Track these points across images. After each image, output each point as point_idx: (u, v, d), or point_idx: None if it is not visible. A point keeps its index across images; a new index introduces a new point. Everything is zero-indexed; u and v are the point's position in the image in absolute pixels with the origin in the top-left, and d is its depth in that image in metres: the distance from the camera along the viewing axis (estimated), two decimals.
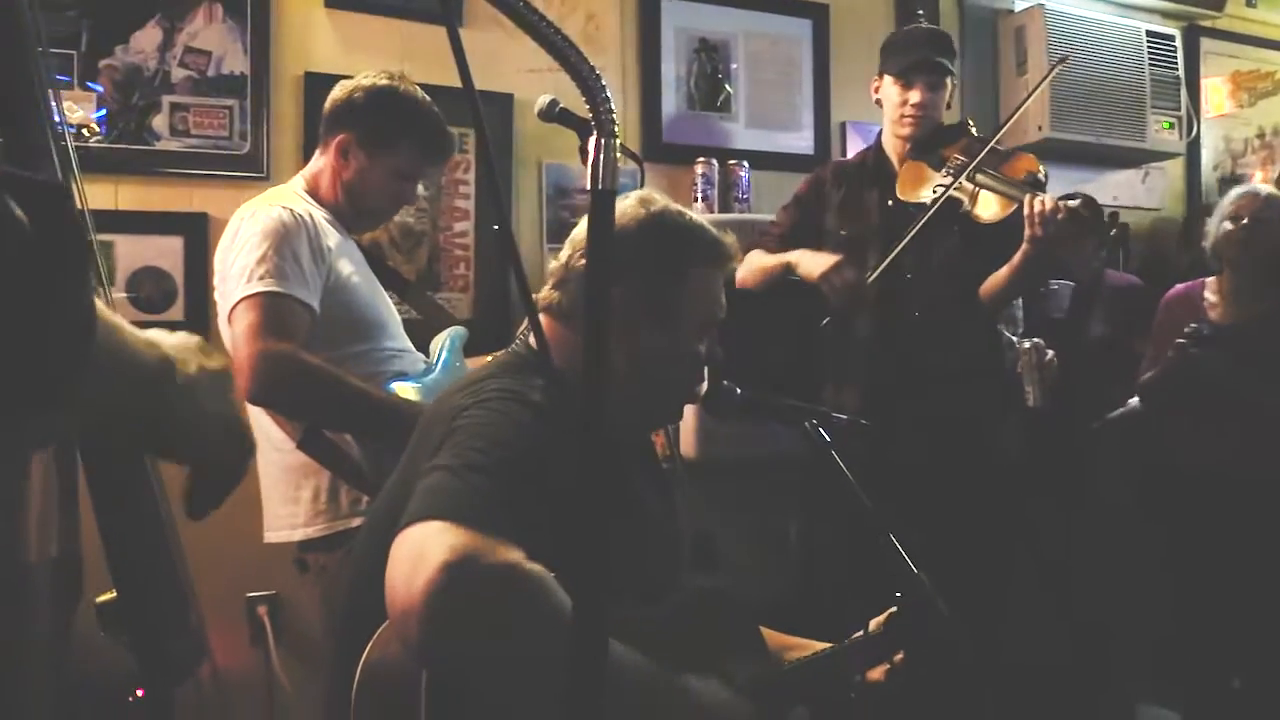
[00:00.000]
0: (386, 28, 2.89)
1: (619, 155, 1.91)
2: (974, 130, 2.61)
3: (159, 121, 2.65)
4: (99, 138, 2.51)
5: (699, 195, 3.15)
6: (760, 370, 2.78)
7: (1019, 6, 3.78)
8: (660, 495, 1.47)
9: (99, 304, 0.72)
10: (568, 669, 0.75)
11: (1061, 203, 2.25)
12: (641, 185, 2.63)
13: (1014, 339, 2.90)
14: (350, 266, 1.98)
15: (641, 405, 1.37)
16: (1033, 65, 3.61)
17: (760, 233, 2.75)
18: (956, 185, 2.44)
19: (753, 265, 2.60)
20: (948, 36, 2.69)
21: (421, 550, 1.00)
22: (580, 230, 1.42)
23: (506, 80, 2.96)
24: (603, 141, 0.78)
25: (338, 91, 2.10)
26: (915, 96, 2.53)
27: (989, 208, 2.43)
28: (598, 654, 0.77)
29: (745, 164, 3.22)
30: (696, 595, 1.36)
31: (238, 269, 1.84)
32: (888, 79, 2.61)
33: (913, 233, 2.39)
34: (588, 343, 0.76)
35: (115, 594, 0.95)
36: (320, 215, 1.98)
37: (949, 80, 2.58)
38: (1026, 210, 2.26)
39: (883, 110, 2.66)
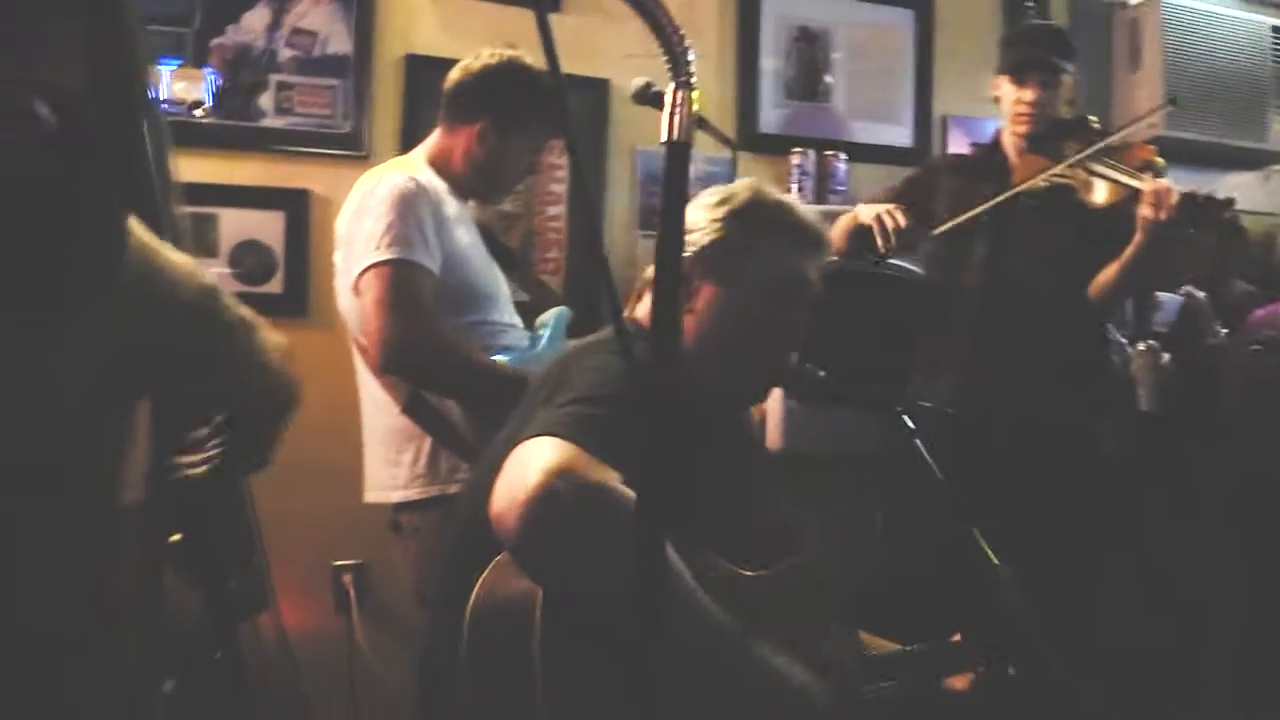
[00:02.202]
0: (487, 11, 2.91)
1: (718, 143, 1.88)
2: (1095, 125, 2.54)
3: (265, 99, 2.72)
4: (209, 116, 2.60)
5: (795, 185, 3.11)
6: (849, 358, 2.75)
7: (1134, 0, 3.63)
8: (758, 473, 1.46)
9: (138, 229, 0.72)
10: (630, 597, 0.76)
11: (1178, 188, 2.16)
12: (734, 173, 2.61)
13: (1124, 341, 2.80)
14: (468, 238, 2.01)
15: (721, 373, 1.40)
16: (1148, 61, 3.47)
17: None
18: (1069, 173, 2.38)
19: (840, 225, 2.60)
20: (1064, 34, 2.65)
21: (527, 458, 1.07)
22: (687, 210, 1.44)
23: (603, 66, 2.95)
24: (679, 94, 0.76)
25: (460, 74, 2.12)
26: (1028, 94, 2.49)
27: (1101, 194, 2.36)
28: (656, 595, 0.77)
29: (843, 155, 3.17)
30: (793, 568, 1.34)
31: (364, 235, 1.88)
32: (1002, 78, 2.58)
33: (1000, 199, 2.36)
34: (658, 292, 0.75)
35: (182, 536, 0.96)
36: (441, 186, 2.01)
37: (1064, 78, 2.52)
38: (1143, 193, 2.18)
39: (1000, 107, 2.61)
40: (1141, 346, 2.56)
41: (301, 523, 2.59)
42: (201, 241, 2.61)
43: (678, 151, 0.81)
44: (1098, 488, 2.47)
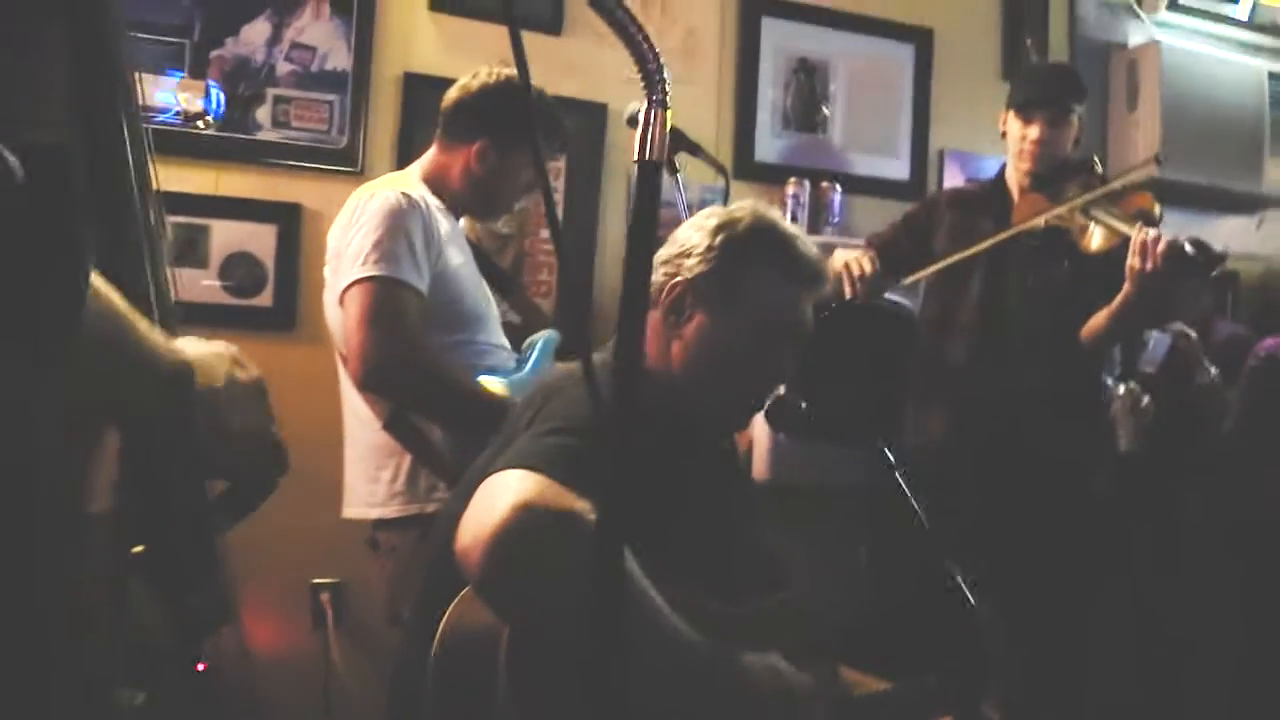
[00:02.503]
0: (487, 32, 2.91)
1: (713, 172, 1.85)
2: (1098, 169, 2.55)
3: (262, 113, 2.72)
4: (212, 128, 2.60)
5: (789, 215, 3.10)
6: (840, 390, 2.75)
7: (1133, 42, 3.65)
8: (745, 504, 1.45)
9: (116, 299, 0.72)
10: (588, 629, 0.76)
11: (1165, 239, 2.16)
12: (727, 200, 2.61)
13: (1108, 381, 2.80)
14: (459, 257, 2.00)
15: (705, 398, 1.38)
16: (1145, 102, 3.49)
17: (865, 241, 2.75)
18: (1067, 215, 2.40)
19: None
20: (1075, 74, 2.66)
21: (496, 491, 1.05)
22: (678, 231, 1.45)
23: (602, 90, 2.97)
24: (652, 113, 0.76)
25: (459, 93, 2.11)
26: (1034, 132, 2.50)
27: (1096, 239, 2.37)
28: (613, 619, 0.77)
29: (838, 186, 3.17)
30: (777, 605, 1.32)
31: (353, 250, 1.87)
32: (1010, 113, 2.58)
33: (985, 245, 2.39)
34: (624, 307, 0.75)
35: (144, 547, 0.95)
36: (435, 203, 2.01)
37: (1073, 118, 2.53)
38: (1132, 242, 2.19)
39: (1006, 143, 2.62)
40: (1122, 389, 2.56)
41: (280, 539, 2.57)
42: (192, 252, 2.61)
43: (649, 172, 0.80)
44: (1087, 525, 2.46)
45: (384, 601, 2.02)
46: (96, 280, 0.70)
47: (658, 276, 1.39)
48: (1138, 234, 2.18)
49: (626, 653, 0.93)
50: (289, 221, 2.70)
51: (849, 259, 2.46)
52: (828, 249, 2.96)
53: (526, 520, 1.01)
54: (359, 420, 1.99)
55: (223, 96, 2.65)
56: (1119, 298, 2.27)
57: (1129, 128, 3.44)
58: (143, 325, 0.76)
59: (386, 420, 1.92)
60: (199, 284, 2.62)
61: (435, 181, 2.08)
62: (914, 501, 1.38)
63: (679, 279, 1.38)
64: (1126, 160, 3.15)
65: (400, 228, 1.86)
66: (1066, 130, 2.52)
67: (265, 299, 2.69)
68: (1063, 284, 2.46)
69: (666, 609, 1.10)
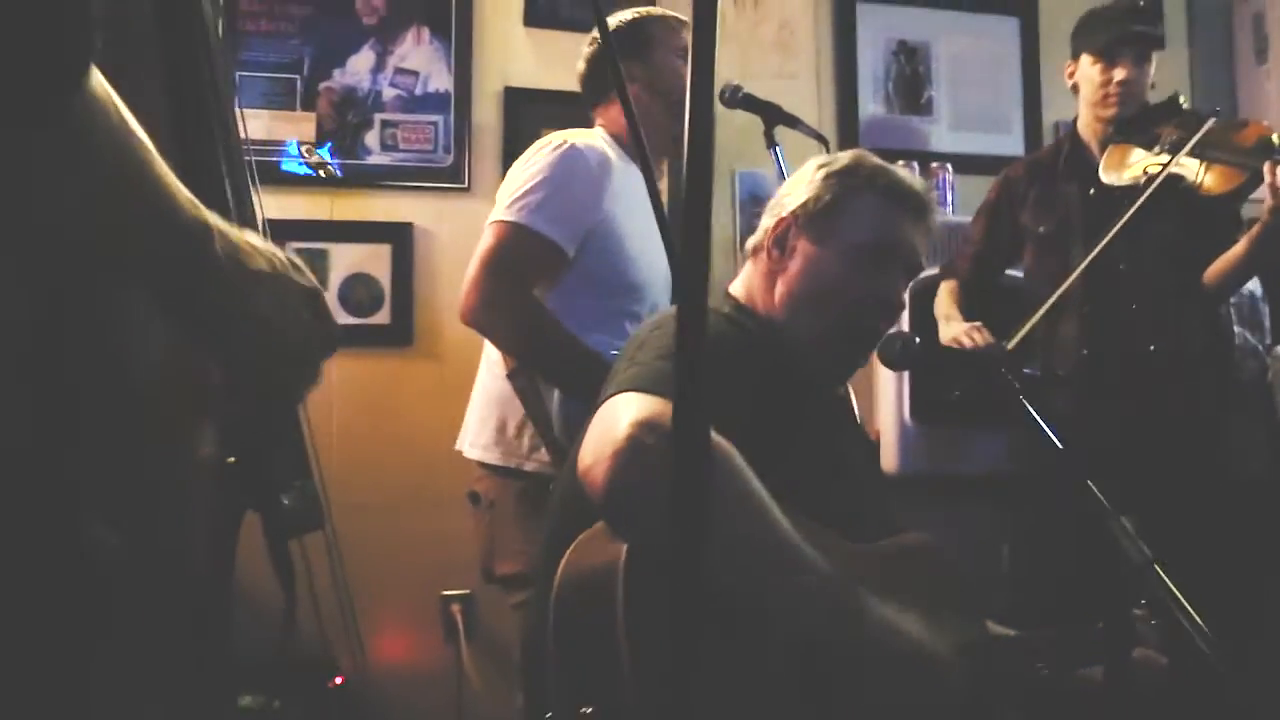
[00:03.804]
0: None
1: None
2: (1185, 105, 2.37)
3: (370, 138, 2.80)
4: (324, 165, 2.70)
5: None
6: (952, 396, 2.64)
7: None
8: (860, 452, 1.39)
9: (139, 131, 0.67)
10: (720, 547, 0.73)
11: None
12: None
13: (1260, 347, 2.61)
14: (636, 220, 1.92)
15: (813, 332, 1.35)
16: (1275, 54, 3.28)
17: (956, 253, 2.62)
18: (1177, 160, 2.21)
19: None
20: (1148, 8, 2.49)
21: (614, 413, 1.05)
22: (781, 186, 1.46)
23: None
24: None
25: (582, 63, 2.10)
26: (1121, 74, 2.33)
27: (1216, 180, 2.18)
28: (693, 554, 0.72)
29: (948, 166, 3.07)
30: (908, 544, 1.25)
31: (507, 189, 1.90)
32: (1086, 59, 2.41)
33: (1130, 214, 2.16)
34: (689, 212, 0.69)
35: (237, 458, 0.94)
36: (621, 164, 1.95)
37: (1152, 56, 2.38)
38: (1268, 177, 2.03)
39: (1080, 94, 2.46)
40: (1279, 351, 2.36)
41: (409, 551, 2.61)
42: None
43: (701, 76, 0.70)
44: (1236, 505, 2.27)
45: (480, 560, 2.01)
46: (109, 96, 0.65)
47: (765, 223, 1.40)
48: (1273, 169, 2.02)
49: (740, 571, 0.96)
50: (402, 240, 2.76)
51: (960, 336, 2.28)
52: (943, 229, 2.87)
53: (646, 434, 1.01)
54: (489, 364, 2.01)
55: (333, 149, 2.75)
56: (1255, 230, 2.11)
57: (1260, 81, 3.24)
58: (168, 173, 0.71)
59: (510, 370, 1.91)
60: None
61: (616, 138, 2.02)
62: (1048, 430, 1.28)
63: (781, 216, 1.38)
64: (1266, 120, 2.95)
65: (565, 181, 1.85)
66: (1148, 69, 2.37)
67: (383, 317, 2.75)
68: (1175, 238, 2.28)
69: (794, 534, 1.06)
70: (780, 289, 1.36)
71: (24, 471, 0.69)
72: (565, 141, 1.90)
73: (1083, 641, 1.25)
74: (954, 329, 2.33)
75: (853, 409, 1.61)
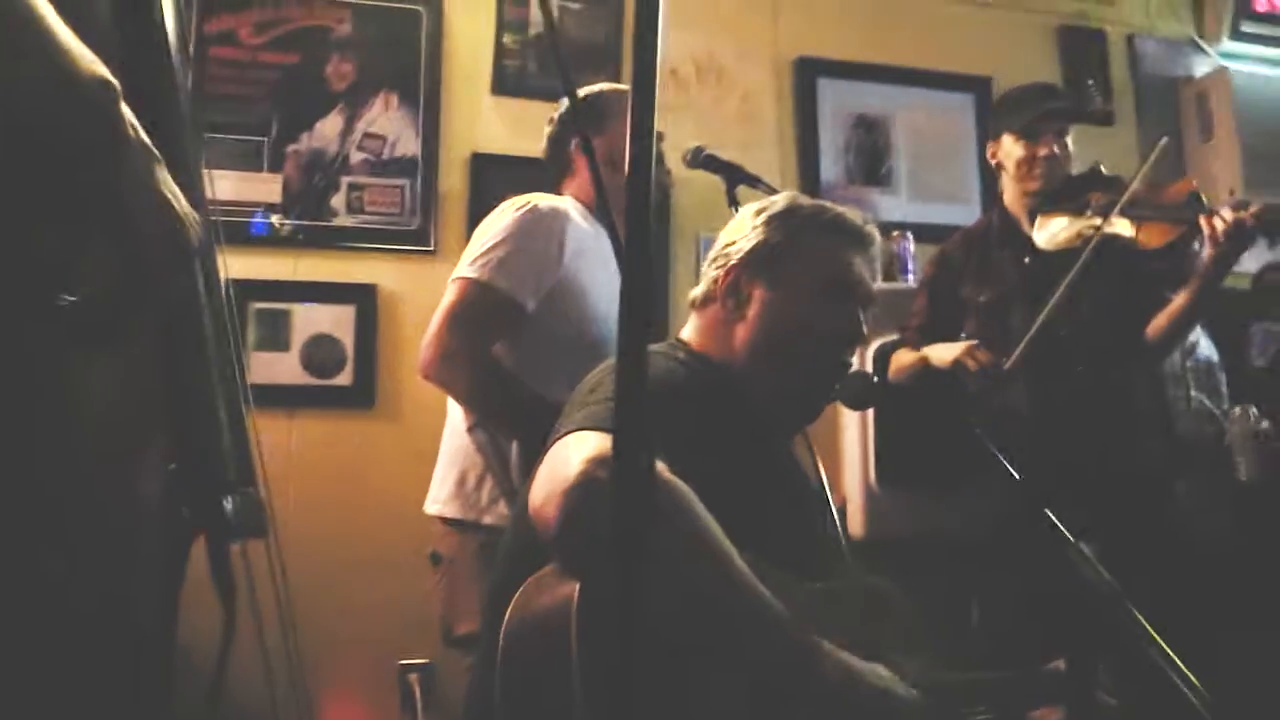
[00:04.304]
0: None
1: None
2: (1106, 172, 2.46)
3: (337, 200, 2.81)
4: (285, 225, 2.70)
5: None
6: (917, 459, 2.65)
7: (1199, 72, 3.60)
8: (812, 502, 1.38)
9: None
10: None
11: (1228, 209, 2.08)
12: None
13: (1216, 411, 2.65)
14: (595, 282, 1.94)
15: (776, 381, 1.35)
16: (1220, 132, 3.41)
17: (901, 328, 2.66)
18: (1110, 220, 2.27)
19: (897, 365, 2.52)
20: (1057, 87, 2.61)
21: (565, 451, 1.03)
22: (721, 233, 1.46)
23: (666, 157, 2.99)
24: None
25: (546, 137, 2.15)
26: (1044, 150, 2.41)
27: (1152, 236, 2.25)
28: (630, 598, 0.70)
29: (909, 234, 3.13)
30: (861, 585, 1.24)
31: (472, 247, 1.92)
32: (1008, 138, 2.49)
33: (1074, 272, 2.21)
34: (629, 237, 0.70)
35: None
36: (585, 223, 1.98)
37: (1069, 131, 2.46)
38: (1206, 229, 2.10)
39: (1004, 171, 2.54)
40: (1236, 411, 2.41)
41: (366, 618, 2.54)
42: (274, 336, 2.67)
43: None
44: (1193, 571, 2.28)
45: (441, 617, 1.97)
46: None
47: (710, 274, 1.40)
48: (1210, 220, 2.10)
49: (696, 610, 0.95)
50: (366, 302, 2.75)
51: (960, 355, 2.27)
52: (900, 297, 2.92)
53: (599, 470, 0.99)
54: (451, 422, 2.01)
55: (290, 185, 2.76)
56: (1195, 282, 2.18)
57: (1206, 158, 3.36)
58: (65, 30, 0.66)
59: (470, 424, 1.92)
60: (281, 366, 2.66)
61: (585, 205, 2.05)
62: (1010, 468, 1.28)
63: (730, 264, 1.38)
64: (1210, 188, 3.05)
65: (522, 238, 1.88)
66: (1068, 143, 2.45)
67: (345, 378, 2.72)
68: (1114, 298, 2.33)
69: (749, 574, 1.04)
70: (740, 337, 1.36)
71: None
72: (529, 203, 1.94)
73: (1038, 683, 1.24)
74: (951, 349, 2.32)
75: (804, 463, 1.60)
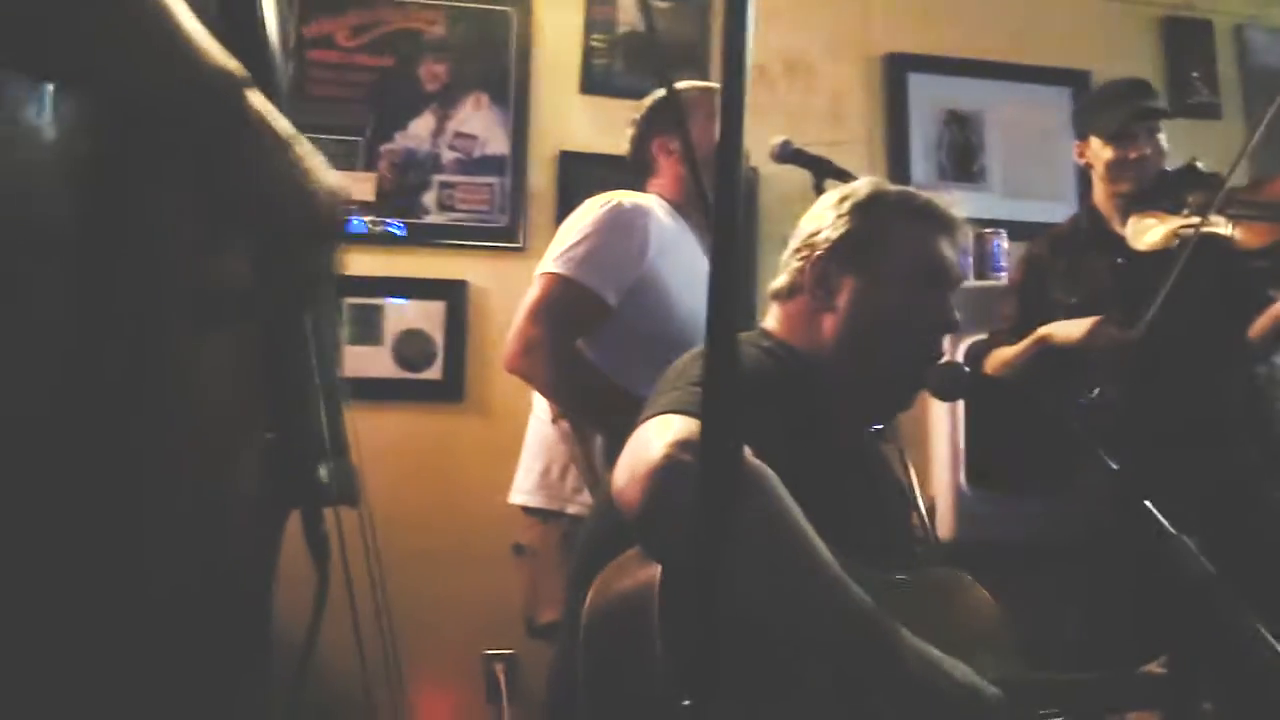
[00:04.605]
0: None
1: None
2: (1202, 169, 2.36)
3: (429, 198, 2.87)
4: (379, 225, 2.77)
5: None
6: (1009, 459, 2.58)
7: None
8: (896, 502, 1.37)
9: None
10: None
11: None
12: None
13: None
14: (679, 278, 1.96)
15: (866, 371, 1.33)
16: None
17: (992, 332, 2.60)
18: (1208, 220, 2.18)
19: (999, 358, 2.46)
20: (1147, 81, 2.52)
21: (648, 434, 1.02)
22: (800, 222, 1.45)
23: (752, 152, 2.98)
24: None
25: (630, 132, 2.20)
26: (1135, 152, 2.35)
27: (1251, 236, 2.17)
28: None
29: (1002, 232, 3.06)
30: (942, 578, 1.21)
31: (557, 243, 1.95)
32: (1096, 141, 2.43)
33: (1175, 272, 2.13)
34: (717, 228, 0.69)
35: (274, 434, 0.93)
36: (669, 220, 2.01)
37: (1161, 127, 2.39)
38: None
39: (1094, 172, 2.47)
40: None
41: (452, 608, 2.59)
42: (367, 330, 2.74)
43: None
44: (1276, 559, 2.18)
45: (523, 608, 1.99)
46: None
47: (794, 265, 1.39)
48: None
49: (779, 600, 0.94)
50: (456, 298, 2.81)
51: (1091, 329, 2.22)
52: (993, 294, 2.85)
53: (683, 452, 0.98)
54: (536, 413, 2.04)
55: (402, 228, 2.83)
56: None
57: None
58: (193, 20, 0.66)
59: (555, 415, 1.95)
60: (374, 360, 2.73)
61: (672, 203, 2.08)
62: (1107, 460, 1.24)
63: (817, 254, 1.36)
64: None
65: (606, 234, 1.90)
66: (1160, 141, 2.37)
67: (435, 373, 2.78)
68: (1211, 300, 2.24)
69: (831, 560, 1.03)
70: (829, 327, 1.34)
71: (93, 484, 0.69)
72: (613, 199, 1.97)
73: (1132, 686, 1.19)
74: (1076, 325, 2.26)
75: (888, 460, 1.58)
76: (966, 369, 1.40)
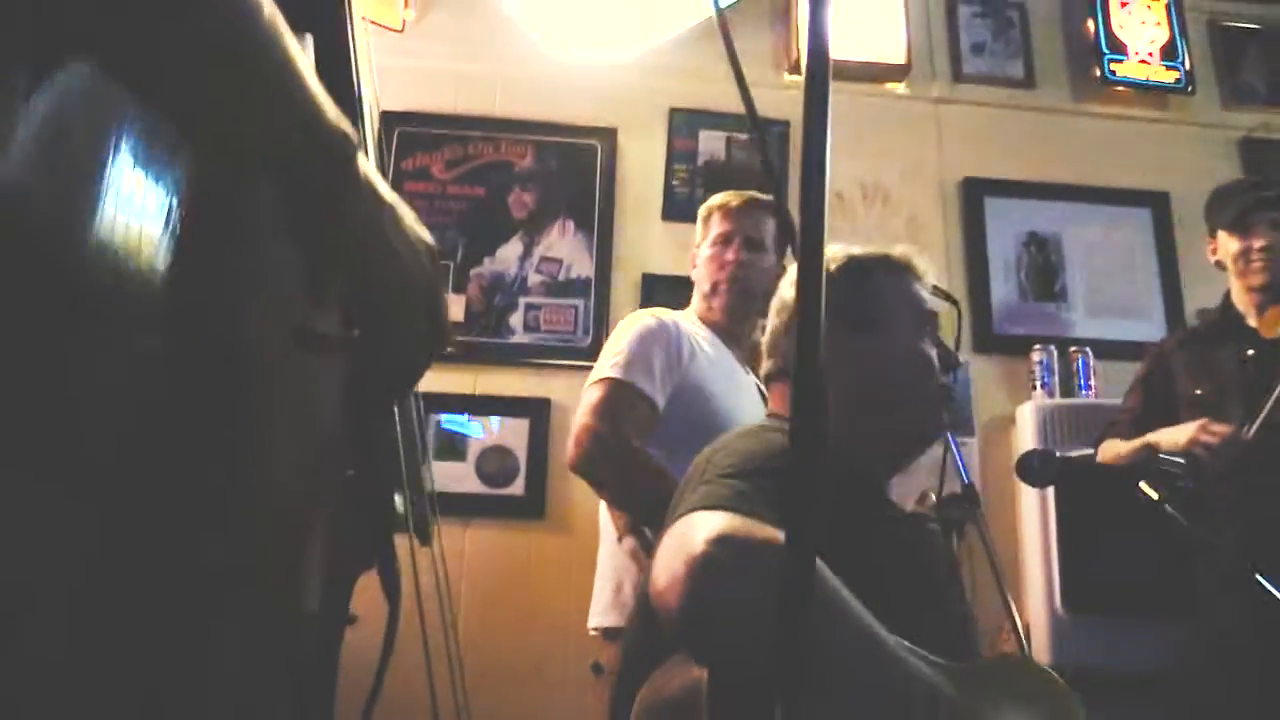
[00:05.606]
0: None
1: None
2: None
3: (515, 319, 2.96)
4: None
5: (1037, 383, 2.98)
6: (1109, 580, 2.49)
7: None
8: (945, 569, 1.32)
9: (288, 34, 0.63)
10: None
11: None
12: (960, 333, 2.55)
13: None
14: (716, 379, 2.06)
15: (886, 424, 1.31)
16: None
17: (1109, 422, 2.55)
18: None
19: (1110, 452, 2.45)
20: (1270, 179, 2.57)
21: (685, 531, 0.98)
22: (776, 299, 1.46)
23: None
24: None
25: None
26: (1259, 240, 2.37)
27: None
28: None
29: (1087, 350, 3.03)
30: (1006, 660, 1.15)
31: (606, 354, 2.05)
32: (1222, 235, 2.47)
33: None
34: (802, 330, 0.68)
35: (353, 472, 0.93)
36: (694, 330, 2.13)
37: None
38: None
39: (1227, 270, 2.49)
40: None
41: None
42: (451, 447, 2.79)
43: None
44: None
45: None
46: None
47: (784, 345, 1.39)
48: None
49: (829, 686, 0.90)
50: (539, 415, 2.85)
51: (1195, 434, 2.20)
52: (1084, 412, 2.80)
53: (723, 549, 0.94)
54: (604, 535, 2.08)
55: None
56: None
57: None
58: (313, 76, 0.65)
59: (621, 532, 1.97)
60: (458, 475, 2.77)
61: (711, 325, 2.19)
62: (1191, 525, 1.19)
63: None
64: None
65: (647, 345, 2.01)
66: None
67: (518, 488, 2.81)
68: None
69: (900, 648, 0.99)
70: (834, 399, 1.29)
71: (162, 482, 0.64)
72: (650, 314, 2.11)
73: None
74: (1183, 429, 2.25)
75: (929, 522, 1.53)
76: (1057, 454, 1.37)
